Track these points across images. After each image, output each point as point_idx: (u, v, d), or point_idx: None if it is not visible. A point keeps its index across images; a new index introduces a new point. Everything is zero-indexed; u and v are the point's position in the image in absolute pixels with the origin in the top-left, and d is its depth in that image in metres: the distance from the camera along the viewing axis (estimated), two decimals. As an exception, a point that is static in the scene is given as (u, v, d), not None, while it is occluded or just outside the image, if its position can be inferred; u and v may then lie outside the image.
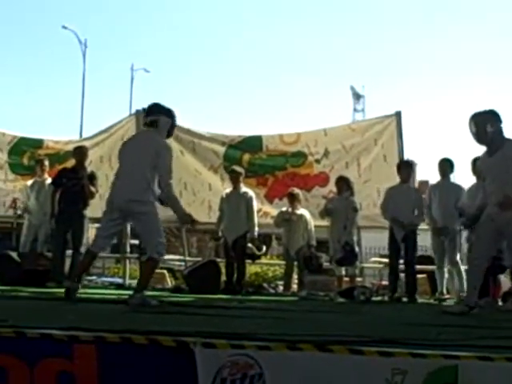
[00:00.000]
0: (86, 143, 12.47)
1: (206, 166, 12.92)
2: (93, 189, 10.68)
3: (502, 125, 7.30)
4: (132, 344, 4.02)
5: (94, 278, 13.58)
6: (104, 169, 12.29)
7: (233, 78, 78.73)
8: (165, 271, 15.44)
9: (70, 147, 12.44)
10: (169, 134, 7.71)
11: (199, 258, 14.48)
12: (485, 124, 7.22)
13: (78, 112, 40.80)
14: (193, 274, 10.94)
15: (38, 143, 13.82)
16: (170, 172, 7.41)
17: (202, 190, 12.79)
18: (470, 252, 8.54)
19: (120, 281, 12.83)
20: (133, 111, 16.82)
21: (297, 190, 11.71)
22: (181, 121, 13.17)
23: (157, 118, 7.49)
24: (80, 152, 11.13)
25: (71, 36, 40.35)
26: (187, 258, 13.30)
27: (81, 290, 8.04)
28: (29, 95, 68.10)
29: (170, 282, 14.40)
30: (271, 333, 4.48)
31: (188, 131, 13.01)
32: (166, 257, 20.06)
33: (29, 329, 4.23)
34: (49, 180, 11.78)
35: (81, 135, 29.01)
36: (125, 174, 7.39)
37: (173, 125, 7.70)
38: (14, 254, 11.22)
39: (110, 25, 70.10)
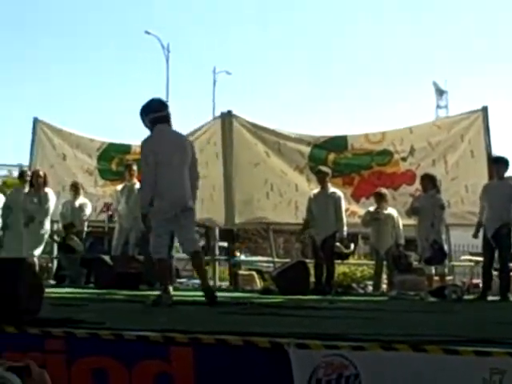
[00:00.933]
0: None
1: (291, 167, 12.91)
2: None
3: None
4: (227, 345, 4.06)
5: (184, 280, 13.75)
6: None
7: (316, 78, 78.38)
8: (254, 272, 15.57)
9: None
10: None
11: (287, 259, 14.50)
12: None
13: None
14: (282, 275, 10.93)
15: (126, 149, 14.04)
16: None
17: (288, 191, 12.81)
18: None
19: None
20: (216, 114, 17.01)
21: (384, 190, 11.63)
22: (265, 122, 13.37)
23: (167, 112, 7.67)
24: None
25: (154, 41, 40.91)
26: (275, 259, 13.33)
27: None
28: (115, 101, 69.41)
29: (258, 284, 14.50)
30: (363, 333, 4.46)
31: (273, 132, 13.10)
32: (255, 258, 20.36)
33: (125, 331, 4.32)
34: (137, 185, 11.93)
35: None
36: (178, 174, 7.54)
37: None
38: (106, 258, 11.46)
39: (190, 29, 70.86)
